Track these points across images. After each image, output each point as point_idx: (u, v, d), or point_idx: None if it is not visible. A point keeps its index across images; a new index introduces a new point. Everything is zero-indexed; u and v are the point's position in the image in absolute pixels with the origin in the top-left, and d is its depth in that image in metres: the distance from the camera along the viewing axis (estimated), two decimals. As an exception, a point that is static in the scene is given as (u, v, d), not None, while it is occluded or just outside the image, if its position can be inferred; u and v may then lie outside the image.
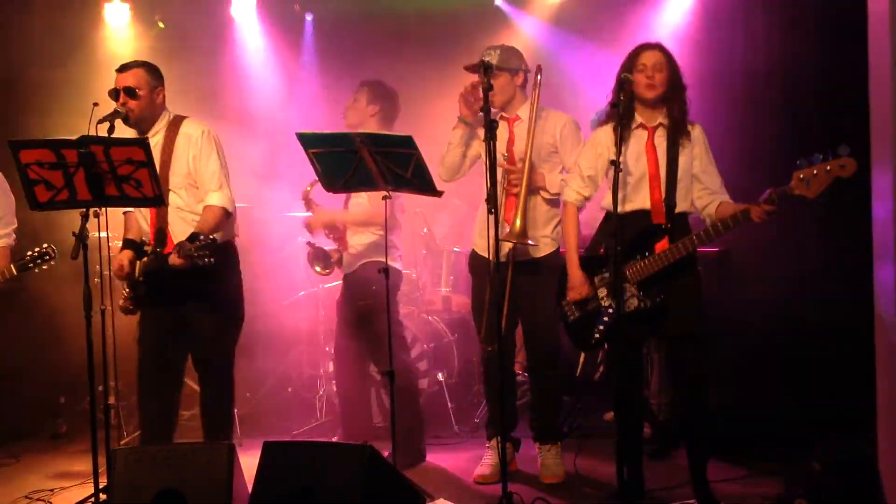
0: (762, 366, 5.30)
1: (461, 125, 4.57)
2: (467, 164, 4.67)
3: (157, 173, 3.95)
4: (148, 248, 4.34)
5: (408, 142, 4.06)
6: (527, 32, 6.77)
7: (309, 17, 7.12)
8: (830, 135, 4.34)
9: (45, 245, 4.78)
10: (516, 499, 3.98)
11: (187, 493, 3.68)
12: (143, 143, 3.90)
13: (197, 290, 4.33)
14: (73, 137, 3.84)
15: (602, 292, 4.07)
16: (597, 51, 6.37)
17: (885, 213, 3.77)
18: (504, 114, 4.56)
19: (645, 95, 3.99)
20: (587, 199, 4.23)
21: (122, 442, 5.19)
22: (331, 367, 5.73)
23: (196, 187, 4.40)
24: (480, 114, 4.01)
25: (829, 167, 3.54)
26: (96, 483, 3.89)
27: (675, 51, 4.12)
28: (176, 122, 4.44)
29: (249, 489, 3.75)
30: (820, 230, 5.29)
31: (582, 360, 5.80)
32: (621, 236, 3.87)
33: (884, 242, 3.81)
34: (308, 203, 5.20)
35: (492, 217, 3.89)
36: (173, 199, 4.39)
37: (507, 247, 4.38)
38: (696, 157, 4.02)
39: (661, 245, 3.93)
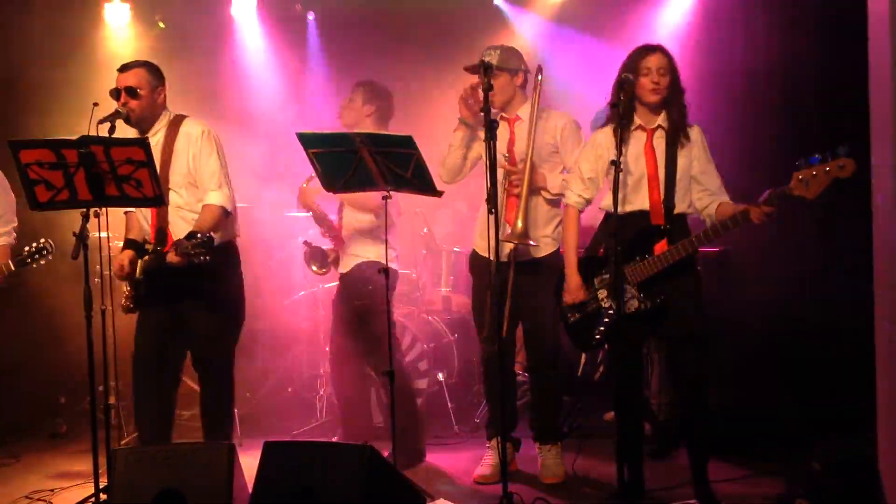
0: (762, 366, 5.30)
1: (462, 127, 4.57)
2: (468, 166, 4.67)
3: (157, 173, 3.95)
4: (149, 248, 4.35)
5: (408, 142, 4.06)
6: (526, 31, 6.77)
7: (310, 17, 7.12)
8: (830, 135, 4.34)
9: (43, 240, 4.79)
10: (516, 499, 3.99)
11: (187, 493, 3.68)
12: (143, 143, 3.90)
13: (198, 289, 4.33)
14: (74, 137, 3.84)
15: (602, 293, 4.07)
16: (597, 50, 6.38)
17: (885, 214, 3.77)
18: (504, 114, 4.56)
19: (649, 99, 3.98)
20: (588, 201, 4.23)
21: (123, 442, 5.19)
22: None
23: (196, 186, 4.40)
24: (481, 114, 4.01)
25: (828, 168, 3.53)
26: (96, 483, 3.90)
27: (676, 50, 4.12)
28: (176, 122, 4.45)
29: (250, 489, 3.75)
30: (820, 231, 5.29)
31: (583, 360, 5.80)
32: (620, 237, 3.87)
33: (884, 242, 3.81)
34: (304, 201, 5.22)
35: (492, 217, 3.90)
36: (174, 198, 4.39)
37: (508, 247, 4.38)
38: (695, 158, 4.02)
39: (661, 246, 3.93)
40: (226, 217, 4.39)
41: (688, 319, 3.97)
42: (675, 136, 4.00)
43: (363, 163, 4.17)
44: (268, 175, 6.45)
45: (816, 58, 5.45)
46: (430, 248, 6.32)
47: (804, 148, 3.68)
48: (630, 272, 3.95)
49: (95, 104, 4.23)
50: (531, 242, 4.37)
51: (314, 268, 5.44)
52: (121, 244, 4.64)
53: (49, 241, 4.77)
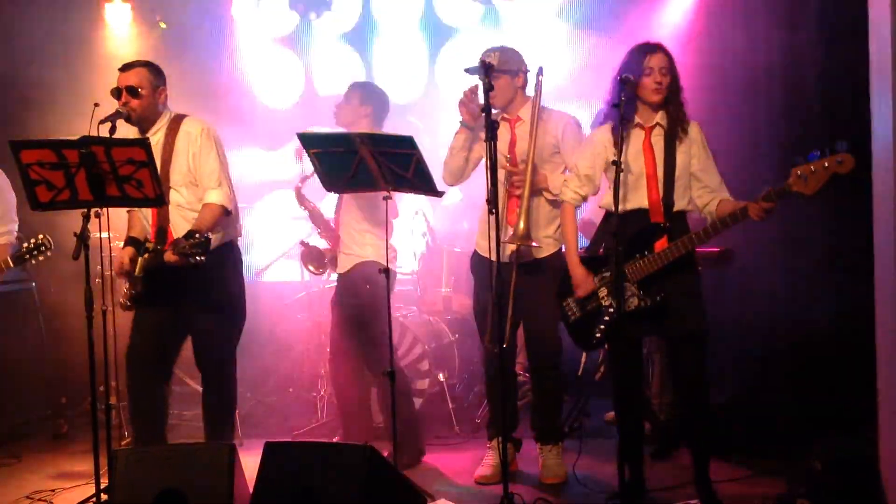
0: (762, 366, 5.31)
1: (463, 129, 4.56)
2: (471, 168, 4.66)
3: (157, 173, 3.96)
4: (149, 246, 4.35)
5: (409, 142, 4.06)
6: (526, 30, 6.77)
7: (311, 17, 7.13)
8: (831, 134, 4.34)
9: (41, 236, 4.79)
10: (517, 499, 3.99)
11: (189, 493, 3.68)
12: (143, 144, 3.90)
13: (199, 289, 4.34)
14: (74, 137, 3.84)
15: (602, 292, 4.07)
16: (597, 50, 6.38)
17: (886, 213, 3.77)
18: (505, 115, 4.56)
19: (652, 99, 3.98)
20: (585, 198, 4.23)
21: (124, 442, 5.19)
22: (330, 368, 5.74)
23: (197, 185, 4.40)
24: (481, 116, 4.00)
25: (826, 163, 3.52)
26: (97, 483, 3.90)
27: (676, 49, 4.12)
28: (176, 120, 4.45)
29: (251, 489, 3.76)
30: (820, 230, 5.29)
31: (584, 360, 5.80)
32: (620, 236, 3.87)
33: (884, 242, 3.81)
34: (301, 199, 5.24)
35: (493, 218, 3.89)
36: (174, 196, 4.39)
37: (510, 248, 4.38)
38: (695, 155, 4.02)
39: (661, 244, 3.92)
40: (226, 216, 4.40)
41: (688, 318, 3.97)
42: (674, 133, 4.00)
43: (364, 163, 4.17)
44: (267, 175, 6.46)
45: (816, 58, 5.45)
46: (430, 248, 6.31)
47: (804, 147, 3.66)
48: (630, 270, 3.95)
49: (96, 105, 4.23)
50: (533, 243, 4.36)
51: (311, 268, 5.46)
52: (121, 244, 4.65)
53: (47, 237, 4.78)
